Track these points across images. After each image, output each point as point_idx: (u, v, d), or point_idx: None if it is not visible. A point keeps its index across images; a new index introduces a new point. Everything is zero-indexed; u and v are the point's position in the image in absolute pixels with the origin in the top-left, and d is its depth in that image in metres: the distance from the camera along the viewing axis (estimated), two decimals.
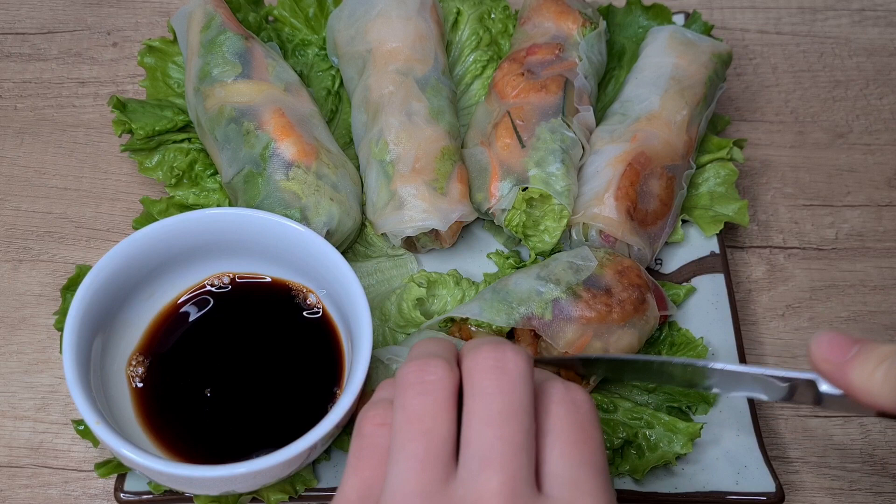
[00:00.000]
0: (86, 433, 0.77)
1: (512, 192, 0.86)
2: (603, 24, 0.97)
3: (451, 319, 0.82)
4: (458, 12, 1.01)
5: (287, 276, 0.83)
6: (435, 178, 0.86)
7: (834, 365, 0.58)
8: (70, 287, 0.82)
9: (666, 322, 0.85)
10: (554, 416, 0.55)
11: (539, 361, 0.76)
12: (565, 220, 0.86)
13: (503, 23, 1.02)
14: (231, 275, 0.83)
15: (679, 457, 0.78)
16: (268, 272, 0.83)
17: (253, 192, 0.84)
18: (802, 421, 0.85)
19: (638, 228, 0.86)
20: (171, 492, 0.75)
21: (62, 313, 0.82)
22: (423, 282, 0.86)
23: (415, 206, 0.85)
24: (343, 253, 0.81)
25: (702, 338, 0.85)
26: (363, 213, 0.89)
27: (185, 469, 0.66)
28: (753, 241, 0.96)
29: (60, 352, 0.74)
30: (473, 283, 0.88)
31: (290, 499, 0.76)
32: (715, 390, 0.66)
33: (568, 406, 0.56)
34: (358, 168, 0.92)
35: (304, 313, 0.81)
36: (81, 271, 0.82)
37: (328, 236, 0.83)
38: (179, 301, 0.82)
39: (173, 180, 0.91)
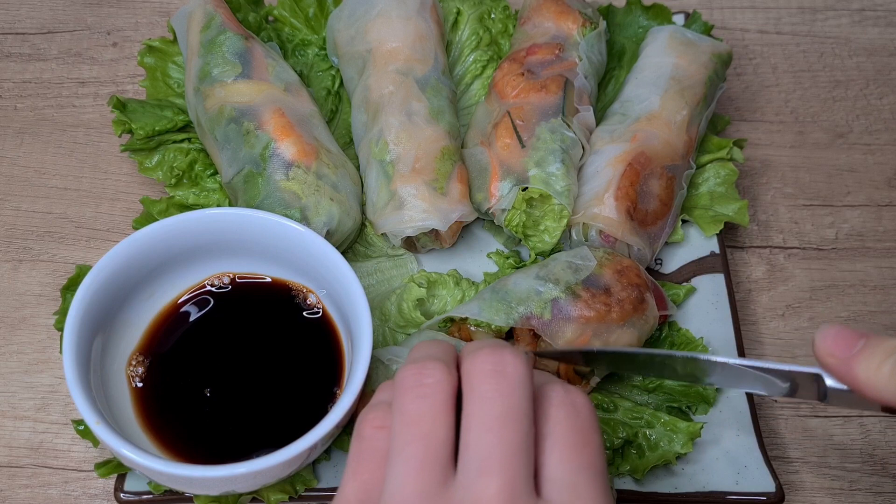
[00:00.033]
0: (86, 433, 0.77)
1: (512, 192, 0.86)
2: (603, 24, 0.97)
3: (451, 319, 0.82)
4: (458, 12, 1.01)
5: (287, 276, 0.83)
6: (435, 178, 0.86)
7: (839, 359, 0.57)
8: (70, 287, 0.82)
9: (666, 322, 0.85)
10: (553, 420, 0.55)
11: (539, 355, 0.76)
12: (565, 220, 0.86)
13: (503, 23, 1.02)
14: (231, 275, 0.83)
15: (679, 456, 0.78)
16: (268, 272, 0.83)
17: (253, 192, 0.84)
18: (802, 421, 0.85)
19: (638, 228, 0.86)
20: (171, 492, 0.75)
21: (62, 313, 0.82)
22: (423, 282, 0.86)
23: (415, 206, 0.85)
24: (343, 253, 0.81)
25: (702, 338, 0.85)
26: (363, 213, 0.89)
27: (185, 469, 0.66)
28: (753, 241, 0.96)
29: (60, 352, 0.74)
30: (473, 283, 0.88)
31: (290, 499, 0.76)
32: (716, 385, 0.65)
33: (567, 410, 0.55)
34: (358, 168, 0.92)
35: (304, 313, 0.81)
36: (81, 271, 0.82)
37: (328, 236, 0.83)
38: (179, 301, 0.82)
39: (173, 180, 0.91)
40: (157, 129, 0.91)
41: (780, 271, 0.94)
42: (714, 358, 0.63)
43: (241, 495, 0.75)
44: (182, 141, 0.93)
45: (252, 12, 1.00)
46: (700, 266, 0.90)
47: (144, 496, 0.76)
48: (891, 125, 1.05)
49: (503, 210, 0.87)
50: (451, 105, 0.92)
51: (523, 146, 0.88)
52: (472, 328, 0.80)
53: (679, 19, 1.04)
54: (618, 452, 0.79)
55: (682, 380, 0.66)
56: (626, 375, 0.83)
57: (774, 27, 1.13)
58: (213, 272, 0.83)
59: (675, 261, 0.91)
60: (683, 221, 0.91)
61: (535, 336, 0.79)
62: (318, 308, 0.81)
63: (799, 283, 0.93)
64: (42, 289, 0.91)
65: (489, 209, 0.88)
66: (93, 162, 0.99)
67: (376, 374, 0.78)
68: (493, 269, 0.90)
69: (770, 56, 1.10)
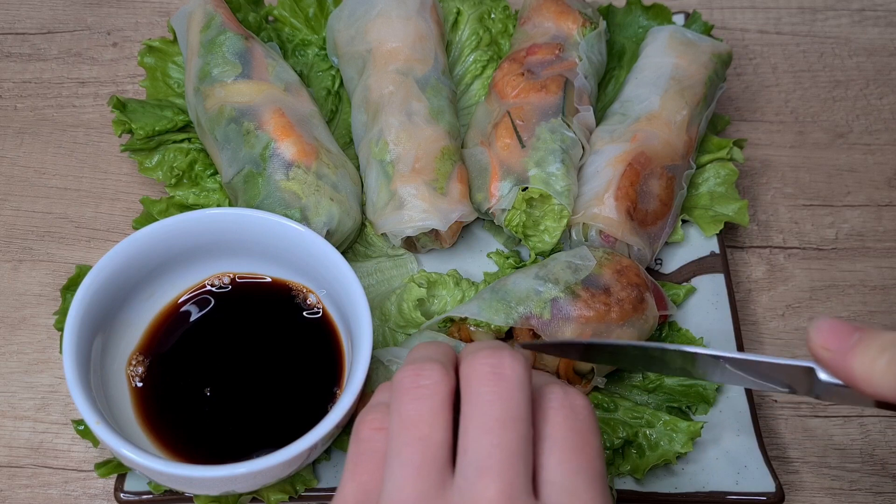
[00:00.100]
0: (86, 433, 0.77)
1: (512, 192, 0.86)
2: (603, 24, 0.97)
3: (451, 319, 0.82)
4: (458, 12, 1.01)
5: (287, 276, 0.83)
6: (435, 178, 0.86)
7: (834, 353, 0.56)
8: (70, 287, 0.82)
9: (666, 322, 0.85)
10: (552, 423, 0.55)
11: (526, 346, 0.75)
12: (565, 220, 0.86)
13: (503, 23, 1.02)
14: (231, 275, 0.83)
15: (679, 456, 0.78)
16: (268, 272, 0.83)
17: (253, 192, 0.84)
18: (802, 421, 0.85)
19: (638, 228, 0.86)
20: (171, 492, 0.75)
21: (62, 313, 0.82)
22: (423, 282, 0.86)
23: (415, 206, 0.85)
24: (343, 253, 0.81)
25: (702, 338, 0.85)
26: (363, 213, 0.89)
27: (185, 469, 0.66)
28: (753, 241, 0.96)
29: (60, 352, 0.74)
30: (473, 283, 0.88)
31: (290, 499, 0.76)
32: (708, 380, 0.65)
33: (566, 412, 0.55)
34: (358, 168, 0.92)
35: (304, 313, 0.81)
36: (81, 271, 0.82)
37: (328, 236, 0.83)
38: (179, 301, 0.82)
39: (173, 180, 0.91)
40: (157, 129, 0.91)
41: (780, 271, 0.94)
42: (704, 351, 0.63)
43: (241, 495, 0.75)
44: (182, 141, 0.93)
45: (252, 12, 1.00)
46: (700, 266, 0.90)
47: (144, 496, 0.76)
48: (891, 125, 1.05)
49: (503, 210, 0.87)
50: (451, 105, 0.92)
51: (523, 146, 0.88)
52: (472, 328, 0.80)
53: (679, 19, 1.04)
54: (618, 452, 0.79)
55: (673, 374, 0.66)
56: (627, 375, 0.83)
57: (774, 27, 1.13)
58: (213, 272, 0.83)
59: (675, 261, 0.91)
60: (683, 221, 0.91)
61: (535, 336, 0.79)
62: (318, 308, 0.81)
63: (799, 283, 0.93)
64: (42, 289, 0.91)
65: (489, 209, 0.88)
66: (93, 162, 0.99)
67: (376, 374, 0.78)
68: (493, 269, 0.90)
69: (770, 56, 1.10)
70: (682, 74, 0.93)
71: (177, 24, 0.95)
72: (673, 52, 0.94)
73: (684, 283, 0.89)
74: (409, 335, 0.84)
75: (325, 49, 1.01)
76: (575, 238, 0.88)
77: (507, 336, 0.81)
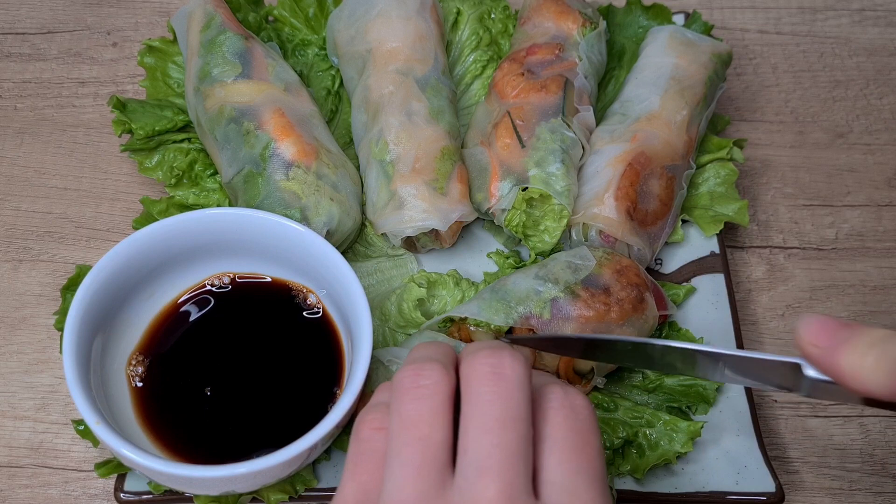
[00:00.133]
0: (86, 433, 0.77)
1: (512, 192, 0.86)
2: (603, 24, 0.97)
3: (451, 319, 0.82)
4: (458, 12, 1.01)
5: (287, 276, 0.83)
6: (435, 178, 0.86)
7: (822, 349, 0.56)
8: (70, 287, 0.82)
9: (666, 322, 0.85)
10: (552, 423, 0.55)
11: (515, 340, 0.75)
12: (565, 220, 0.86)
13: (503, 23, 1.02)
14: (231, 275, 0.83)
15: (679, 456, 0.78)
16: (268, 272, 0.83)
17: (253, 192, 0.84)
18: (802, 421, 0.85)
19: (638, 228, 0.86)
20: (171, 492, 0.75)
21: (62, 313, 0.82)
22: (423, 282, 0.86)
23: (415, 206, 0.85)
24: (343, 253, 0.81)
25: (702, 338, 0.85)
26: (363, 213, 0.89)
27: (185, 469, 0.66)
28: (753, 241, 0.96)
29: (60, 352, 0.74)
30: (473, 283, 0.88)
31: (290, 499, 0.76)
32: (701, 376, 0.65)
33: (567, 412, 0.55)
34: (358, 168, 0.92)
35: (304, 313, 0.81)
36: (81, 271, 0.82)
37: (328, 236, 0.83)
38: (179, 301, 0.82)
39: (173, 180, 0.91)
40: (157, 129, 0.91)
41: (780, 271, 0.94)
42: (691, 346, 0.63)
43: (241, 495, 0.75)
44: (182, 141, 0.93)
45: (252, 12, 1.00)
46: (700, 266, 0.90)
47: (144, 496, 0.76)
48: (891, 125, 1.05)
49: (503, 210, 0.87)
50: (451, 105, 0.92)
51: (523, 146, 0.88)
52: (472, 328, 0.80)
53: (679, 19, 1.04)
54: (618, 452, 0.79)
55: (670, 371, 0.66)
56: (627, 375, 0.83)
57: (774, 27, 1.13)
58: (213, 272, 0.83)
59: (675, 261, 0.91)
60: (683, 221, 0.91)
61: None
62: (318, 308, 0.81)
63: (799, 283, 0.93)
64: (42, 289, 0.91)
65: (489, 209, 0.88)
66: (93, 162, 0.99)
67: (376, 374, 0.78)
68: (493, 269, 0.90)
69: (770, 56, 1.10)
70: (682, 74, 0.93)
71: (177, 24, 0.95)
72: (673, 52, 0.94)
73: (684, 283, 0.89)
74: (409, 335, 0.84)
75: (325, 49, 1.01)
76: (575, 238, 0.88)
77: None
